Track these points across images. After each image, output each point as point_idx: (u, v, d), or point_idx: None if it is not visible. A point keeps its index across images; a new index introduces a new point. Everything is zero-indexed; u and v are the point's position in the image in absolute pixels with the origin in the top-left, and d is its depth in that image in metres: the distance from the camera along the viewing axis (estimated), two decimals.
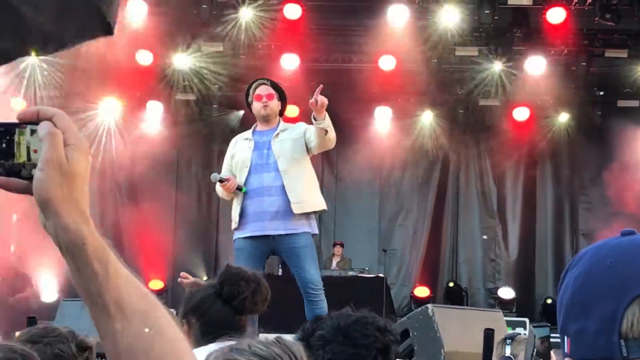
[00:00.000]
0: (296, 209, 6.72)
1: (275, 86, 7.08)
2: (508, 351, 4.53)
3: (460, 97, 15.07)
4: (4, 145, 1.34)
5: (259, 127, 7.03)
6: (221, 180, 6.81)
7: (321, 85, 6.58)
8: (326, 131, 6.64)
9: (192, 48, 13.92)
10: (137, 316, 1.36)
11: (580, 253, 1.51)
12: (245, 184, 6.83)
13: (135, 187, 15.21)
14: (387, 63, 14.03)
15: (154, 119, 15.01)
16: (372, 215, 15.45)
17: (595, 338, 1.38)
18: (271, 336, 1.85)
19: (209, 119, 15.35)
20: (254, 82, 7.14)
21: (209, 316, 3.60)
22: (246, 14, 13.29)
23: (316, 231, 7.00)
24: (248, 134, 7.07)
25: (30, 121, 1.34)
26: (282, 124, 7.05)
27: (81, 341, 3.07)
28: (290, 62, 13.93)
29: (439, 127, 15.18)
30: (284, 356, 1.75)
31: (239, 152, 6.99)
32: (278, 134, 6.95)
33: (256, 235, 6.80)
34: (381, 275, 12.84)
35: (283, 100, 7.10)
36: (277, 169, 6.83)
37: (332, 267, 13.54)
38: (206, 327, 3.58)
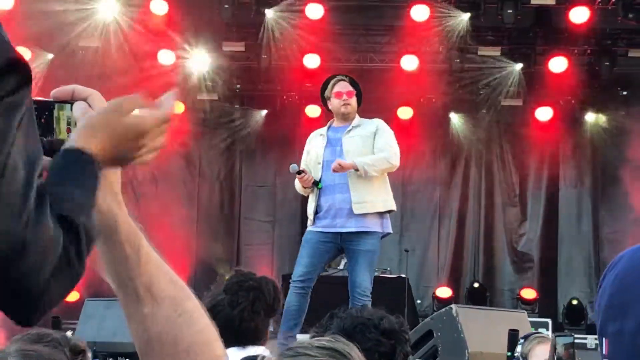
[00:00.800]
0: (356, 209, 6.70)
1: (353, 83, 7.08)
2: (518, 350, 4.47)
3: (483, 97, 14.99)
4: (42, 120, 1.29)
5: (335, 123, 7.01)
6: (299, 173, 6.82)
7: (336, 163, 6.66)
8: (368, 171, 6.73)
9: (214, 48, 13.91)
10: (167, 302, 1.33)
11: (617, 257, 1.50)
12: (320, 180, 6.82)
13: (158, 185, 15.22)
14: (409, 63, 13.96)
15: (177, 118, 15.01)
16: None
17: (632, 339, 1.37)
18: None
19: (231, 118, 15.33)
20: (331, 78, 7.15)
21: (218, 322, 3.57)
22: (268, 14, 13.27)
23: (389, 230, 6.98)
24: (323, 130, 7.07)
25: (65, 100, 1.30)
26: (357, 120, 7.03)
27: (75, 345, 3.00)
28: (311, 62, 13.88)
29: (462, 128, 15.12)
30: (351, 351, 1.72)
31: (313, 148, 7.00)
32: (350, 130, 6.92)
33: (327, 231, 6.78)
34: (403, 275, 12.78)
35: (360, 96, 7.10)
36: None
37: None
38: (219, 332, 3.54)
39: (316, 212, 6.86)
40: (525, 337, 4.66)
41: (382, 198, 6.92)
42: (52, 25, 12.71)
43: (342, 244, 6.82)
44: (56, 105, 1.29)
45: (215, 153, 15.58)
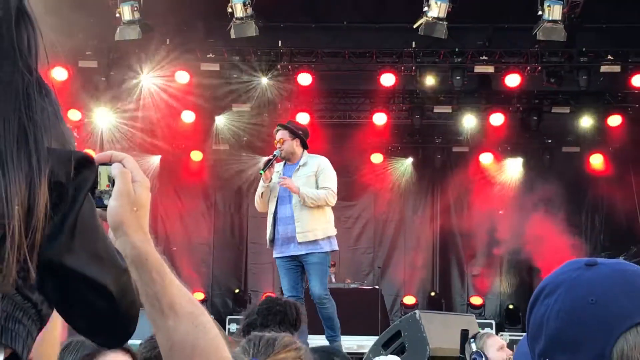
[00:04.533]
0: (299, 238, 6.54)
1: (287, 128, 6.89)
2: (474, 347, 4.45)
3: (438, 145, 15.06)
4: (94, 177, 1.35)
5: (287, 162, 6.89)
6: (267, 163, 6.66)
7: (284, 179, 6.62)
8: (305, 200, 6.54)
9: (225, 108, 14.03)
10: (186, 316, 1.36)
11: (551, 282, 1.34)
12: (275, 212, 6.67)
13: (181, 218, 15.18)
14: (379, 119, 14.04)
15: (196, 164, 15.04)
16: (368, 239, 15.35)
17: None
18: None
19: (240, 163, 15.33)
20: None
21: None
22: (269, 82, 13.35)
23: (335, 248, 6.78)
24: (280, 166, 6.90)
25: (105, 163, 1.34)
26: (304, 159, 6.80)
27: None
28: (302, 119, 13.92)
29: (422, 169, 15.16)
30: None
31: (273, 180, 6.82)
32: (298, 169, 6.77)
33: (284, 255, 6.68)
34: (377, 287, 12.73)
35: (297, 136, 6.84)
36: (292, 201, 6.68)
37: (333, 281, 13.40)
38: None
39: (274, 238, 6.71)
40: (474, 337, 4.64)
41: (322, 227, 6.66)
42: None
43: (299, 261, 6.69)
44: (99, 167, 1.34)
45: (227, 191, 15.56)
